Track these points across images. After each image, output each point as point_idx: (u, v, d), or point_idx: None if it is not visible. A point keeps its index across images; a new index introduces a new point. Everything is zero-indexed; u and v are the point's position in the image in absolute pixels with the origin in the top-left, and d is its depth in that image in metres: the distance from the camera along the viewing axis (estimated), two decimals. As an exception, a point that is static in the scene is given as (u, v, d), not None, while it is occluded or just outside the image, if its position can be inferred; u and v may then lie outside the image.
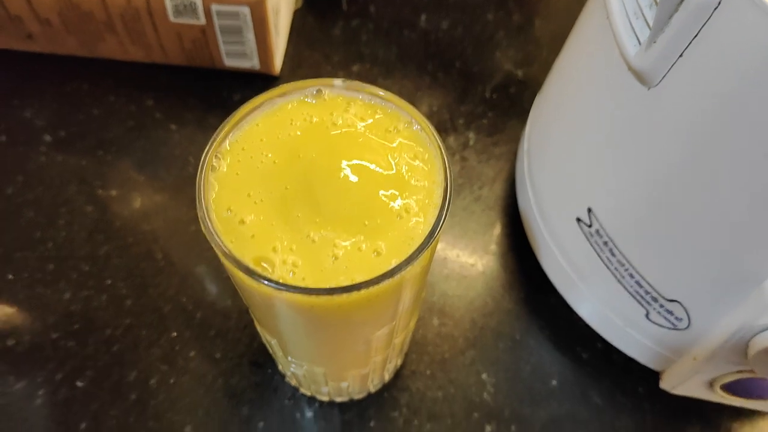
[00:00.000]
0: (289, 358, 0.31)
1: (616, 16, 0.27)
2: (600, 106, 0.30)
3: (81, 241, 0.40)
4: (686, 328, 0.30)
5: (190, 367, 0.36)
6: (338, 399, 0.36)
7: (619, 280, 0.32)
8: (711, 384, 0.32)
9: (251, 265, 0.22)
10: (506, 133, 0.46)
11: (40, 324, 0.37)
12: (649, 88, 0.25)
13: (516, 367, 0.38)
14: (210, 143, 0.24)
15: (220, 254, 0.22)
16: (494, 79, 0.48)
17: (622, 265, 0.31)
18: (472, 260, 0.41)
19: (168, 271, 0.39)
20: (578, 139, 0.33)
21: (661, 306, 0.30)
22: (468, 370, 0.37)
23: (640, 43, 0.25)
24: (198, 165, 0.23)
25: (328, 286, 0.21)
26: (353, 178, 0.24)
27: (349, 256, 0.22)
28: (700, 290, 0.29)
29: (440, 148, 0.24)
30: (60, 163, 0.43)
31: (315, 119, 0.25)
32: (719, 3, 0.21)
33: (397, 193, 0.24)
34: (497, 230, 0.42)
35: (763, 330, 0.26)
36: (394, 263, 0.22)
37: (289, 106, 0.26)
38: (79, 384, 0.36)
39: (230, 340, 0.37)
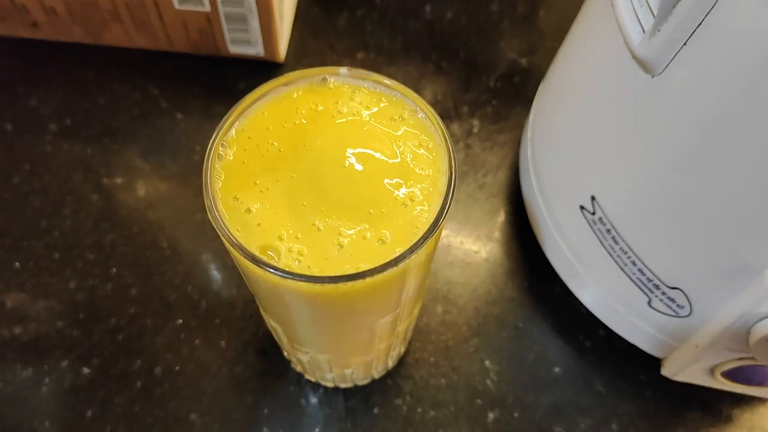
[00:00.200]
0: (294, 345, 0.31)
1: (620, 5, 0.27)
2: (604, 95, 0.30)
3: (87, 229, 0.40)
4: (688, 315, 0.31)
5: (195, 356, 0.37)
6: (342, 385, 0.36)
7: (621, 268, 0.32)
8: (712, 371, 0.32)
9: (257, 254, 0.22)
10: (510, 120, 0.46)
11: (46, 312, 0.38)
12: (653, 77, 0.25)
13: (519, 354, 0.38)
14: (216, 132, 0.24)
15: (226, 243, 0.22)
16: (498, 68, 0.48)
17: (625, 252, 0.31)
18: (476, 247, 0.41)
19: (174, 259, 0.39)
20: (582, 128, 0.33)
21: (663, 293, 0.31)
22: (471, 358, 0.37)
23: (644, 32, 0.25)
24: (204, 153, 0.24)
25: (333, 275, 0.21)
26: (358, 167, 0.24)
27: (354, 245, 0.23)
28: (702, 278, 0.29)
29: (445, 137, 0.24)
30: (66, 151, 0.43)
31: (320, 107, 0.25)
32: (723, -9, 0.21)
33: (401, 181, 0.24)
34: (501, 217, 0.42)
35: (764, 318, 0.27)
36: (398, 251, 0.22)
37: (295, 94, 0.26)
38: (85, 372, 0.36)
39: (235, 328, 0.38)
